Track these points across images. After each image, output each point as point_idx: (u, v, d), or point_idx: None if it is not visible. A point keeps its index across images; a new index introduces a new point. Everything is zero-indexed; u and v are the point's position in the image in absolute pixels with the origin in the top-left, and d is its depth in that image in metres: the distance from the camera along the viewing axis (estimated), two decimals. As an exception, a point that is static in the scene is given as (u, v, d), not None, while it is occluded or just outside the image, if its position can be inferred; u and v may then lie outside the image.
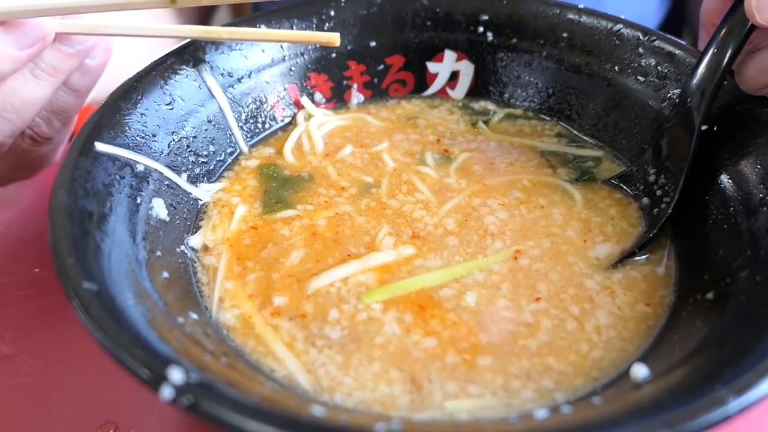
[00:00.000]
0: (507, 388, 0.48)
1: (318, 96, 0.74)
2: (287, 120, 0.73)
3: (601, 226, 0.61)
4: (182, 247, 0.57)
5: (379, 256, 0.57)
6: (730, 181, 0.56)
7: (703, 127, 0.57)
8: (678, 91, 0.64)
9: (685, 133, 0.58)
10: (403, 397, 0.47)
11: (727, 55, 0.55)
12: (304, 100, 0.73)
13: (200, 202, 0.62)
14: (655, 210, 0.59)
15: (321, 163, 0.68)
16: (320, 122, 0.72)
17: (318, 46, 0.73)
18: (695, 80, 0.57)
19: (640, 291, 0.55)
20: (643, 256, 0.58)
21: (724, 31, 0.55)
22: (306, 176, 0.66)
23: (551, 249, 0.58)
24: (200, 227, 0.60)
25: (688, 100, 0.58)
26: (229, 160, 0.67)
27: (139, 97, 0.59)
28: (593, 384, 0.48)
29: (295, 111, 0.73)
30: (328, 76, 0.74)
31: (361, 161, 0.68)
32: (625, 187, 0.64)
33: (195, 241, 0.59)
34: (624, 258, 0.57)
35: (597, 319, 0.53)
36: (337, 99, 0.75)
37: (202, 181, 0.63)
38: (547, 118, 0.74)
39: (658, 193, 0.60)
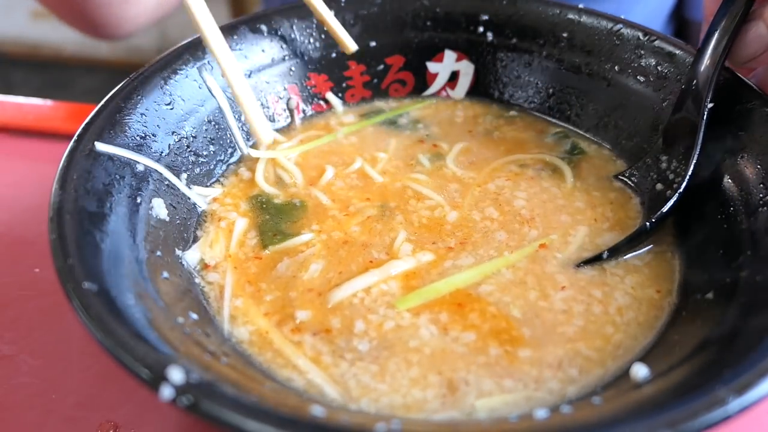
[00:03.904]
0: (538, 379, 0.49)
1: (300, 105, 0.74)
2: (288, 121, 0.73)
3: (604, 212, 0.62)
4: (180, 253, 0.57)
5: (399, 264, 0.57)
6: (730, 181, 0.56)
7: (710, 105, 0.57)
8: (681, 88, 0.63)
9: (693, 113, 0.58)
10: (434, 401, 0.47)
11: (729, 33, 0.56)
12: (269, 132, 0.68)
13: (199, 209, 0.62)
14: (668, 192, 0.59)
15: (308, 191, 0.65)
16: (285, 154, 0.68)
17: (318, 45, 0.73)
18: (700, 61, 0.58)
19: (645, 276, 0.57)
20: (639, 251, 0.58)
21: (725, 11, 0.56)
22: (298, 203, 0.64)
23: (564, 238, 0.60)
24: (197, 237, 0.60)
25: (693, 82, 0.58)
26: (226, 166, 0.66)
27: (139, 97, 0.59)
28: (603, 374, 0.49)
29: (296, 112, 0.73)
30: (328, 76, 0.74)
31: (350, 181, 0.66)
32: (629, 182, 0.64)
33: (192, 257, 0.57)
34: (621, 250, 0.58)
35: (616, 301, 0.54)
36: (337, 99, 0.75)
37: (203, 183, 0.63)
38: (549, 119, 0.74)
39: (671, 177, 0.60)
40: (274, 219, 0.62)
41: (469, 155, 0.69)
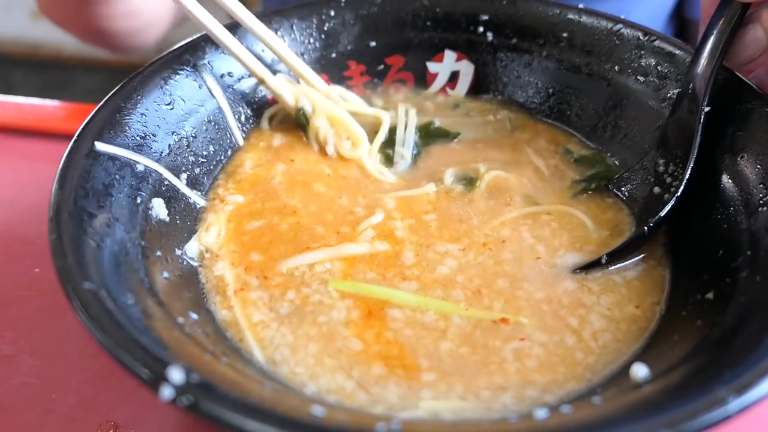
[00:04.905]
0: (478, 396, 0.47)
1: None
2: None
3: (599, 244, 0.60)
4: (181, 251, 0.57)
5: (352, 247, 0.58)
6: (730, 181, 0.56)
7: (706, 109, 0.57)
8: (678, 90, 0.64)
9: (690, 117, 0.58)
10: (348, 384, 0.48)
11: (725, 36, 0.56)
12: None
13: (198, 205, 0.62)
14: (665, 195, 0.59)
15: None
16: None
17: (318, 45, 0.73)
18: (697, 65, 0.58)
19: (622, 295, 0.55)
20: (631, 260, 0.58)
21: (721, 14, 0.56)
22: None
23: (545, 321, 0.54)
24: (197, 232, 0.60)
25: (690, 85, 0.58)
26: (225, 161, 0.67)
27: (139, 97, 0.59)
28: (587, 384, 0.48)
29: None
30: (328, 76, 0.74)
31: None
32: (619, 194, 0.64)
33: (191, 249, 0.58)
34: (618, 255, 0.57)
35: (592, 325, 0.53)
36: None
37: (203, 183, 0.63)
38: (549, 120, 0.74)
39: (668, 180, 0.60)
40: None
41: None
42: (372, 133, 0.69)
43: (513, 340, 0.51)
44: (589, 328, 0.53)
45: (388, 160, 0.68)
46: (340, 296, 0.54)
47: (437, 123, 0.72)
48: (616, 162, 0.68)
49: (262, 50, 0.69)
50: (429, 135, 0.71)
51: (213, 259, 0.58)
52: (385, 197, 0.64)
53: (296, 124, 0.69)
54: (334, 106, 0.68)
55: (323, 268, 0.57)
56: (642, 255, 0.58)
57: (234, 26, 0.68)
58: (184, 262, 0.56)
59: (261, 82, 0.66)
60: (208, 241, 0.59)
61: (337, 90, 0.71)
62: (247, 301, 0.54)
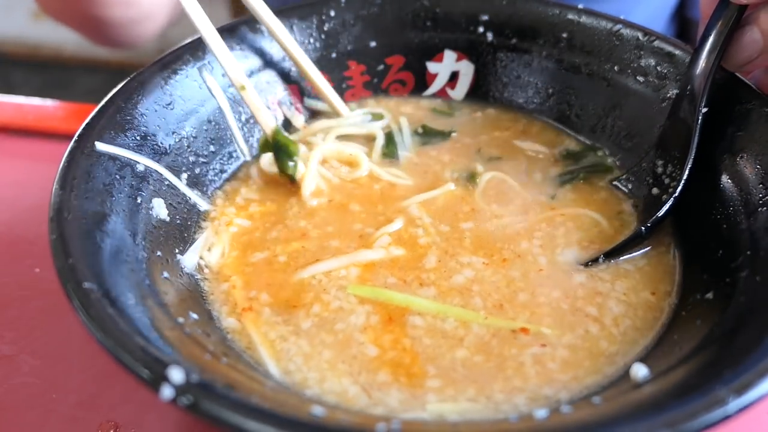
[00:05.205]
0: (490, 398, 0.48)
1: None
2: (289, 121, 0.73)
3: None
4: (179, 258, 0.57)
5: (368, 254, 0.58)
6: (730, 181, 0.56)
7: (704, 110, 0.57)
8: (677, 91, 0.64)
9: (688, 118, 0.58)
10: (352, 389, 0.48)
11: (723, 38, 0.56)
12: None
13: (200, 209, 0.62)
14: (664, 196, 0.60)
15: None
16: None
17: (318, 46, 0.73)
18: (695, 67, 0.58)
19: (636, 281, 0.56)
20: (635, 253, 0.58)
21: (719, 15, 0.56)
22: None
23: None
24: (196, 239, 0.59)
25: (688, 87, 0.59)
26: (226, 166, 0.67)
27: (139, 97, 0.59)
28: (602, 380, 0.49)
29: (295, 112, 0.73)
30: (328, 76, 0.74)
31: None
32: (623, 188, 0.64)
33: (189, 260, 0.57)
34: (617, 253, 0.58)
35: (611, 311, 0.54)
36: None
37: (203, 183, 0.63)
38: (546, 119, 0.74)
39: (666, 181, 0.60)
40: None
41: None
42: (370, 141, 0.70)
43: (532, 346, 0.51)
44: (609, 314, 0.53)
45: (394, 166, 0.69)
46: (359, 301, 0.54)
47: (429, 125, 0.73)
48: (617, 162, 0.68)
49: (271, 41, 0.69)
50: (425, 134, 0.72)
51: (213, 275, 0.57)
52: (408, 205, 0.63)
53: (263, 149, 0.67)
54: (315, 148, 0.67)
55: (339, 274, 0.56)
56: (648, 248, 0.59)
57: (241, 24, 0.68)
58: (183, 267, 0.56)
59: (240, 89, 0.65)
60: (210, 261, 0.58)
61: (321, 124, 0.71)
62: (260, 320, 0.53)
